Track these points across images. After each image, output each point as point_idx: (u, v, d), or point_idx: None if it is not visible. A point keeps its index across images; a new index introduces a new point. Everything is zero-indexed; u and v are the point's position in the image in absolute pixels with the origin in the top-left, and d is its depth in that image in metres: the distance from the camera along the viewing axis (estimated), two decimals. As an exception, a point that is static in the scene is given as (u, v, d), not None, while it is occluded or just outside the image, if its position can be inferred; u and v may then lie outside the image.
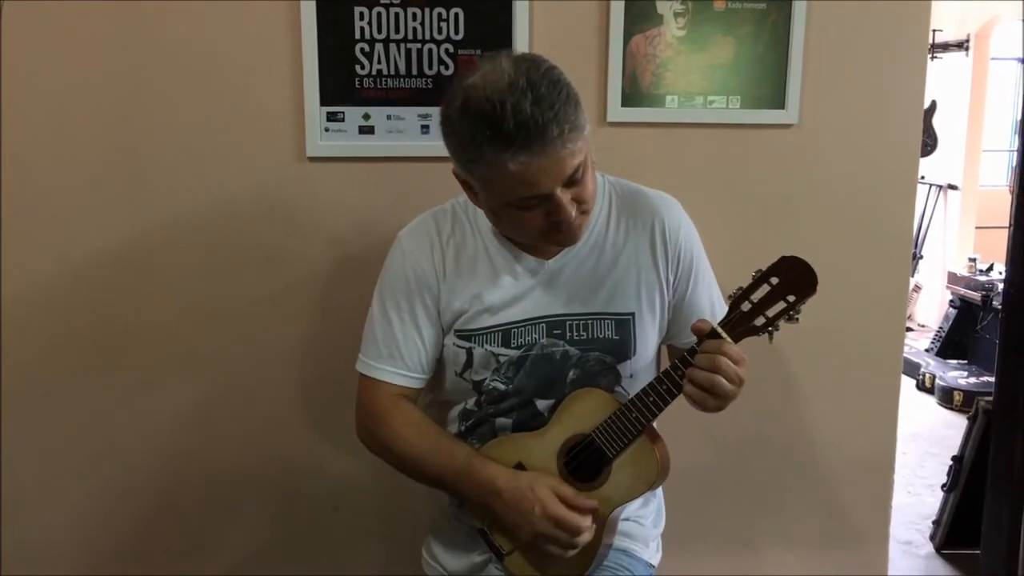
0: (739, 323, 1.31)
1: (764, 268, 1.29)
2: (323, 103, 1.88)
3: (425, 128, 1.92)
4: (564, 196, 1.32)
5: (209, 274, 1.95)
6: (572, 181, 1.33)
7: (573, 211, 1.35)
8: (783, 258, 1.28)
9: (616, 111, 1.93)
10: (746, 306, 1.31)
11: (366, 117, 1.90)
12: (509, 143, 1.25)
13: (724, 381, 1.30)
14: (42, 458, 1.98)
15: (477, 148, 1.28)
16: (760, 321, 1.30)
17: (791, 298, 1.28)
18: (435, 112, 1.88)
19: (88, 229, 1.91)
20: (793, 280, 1.27)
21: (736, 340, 1.32)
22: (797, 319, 1.29)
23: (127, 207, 1.91)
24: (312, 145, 1.90)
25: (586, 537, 1.41)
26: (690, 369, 1.32)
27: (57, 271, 1.91)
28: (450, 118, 1.32)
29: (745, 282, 1.32)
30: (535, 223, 1.36)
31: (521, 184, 1.29)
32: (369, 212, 1.94)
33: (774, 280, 1.28)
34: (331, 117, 1.89)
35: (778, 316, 1.29)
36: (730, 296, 1.32)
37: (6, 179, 1.85)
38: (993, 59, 6.47)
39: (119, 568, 2.03)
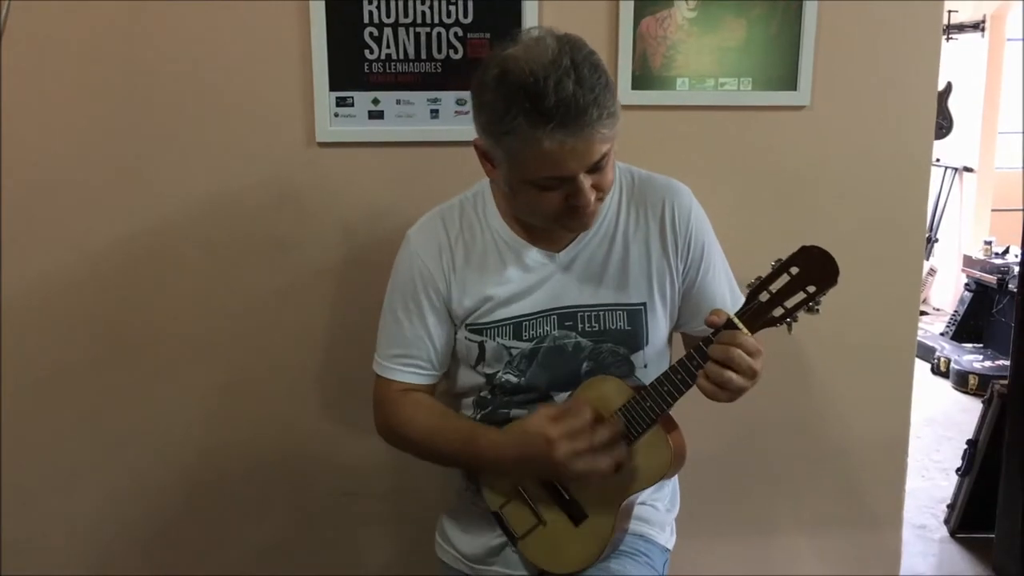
0: (757, 314, 1.29)
1: (784, 258, 1.27)
2: (332, 88, 1.87)
3: (435, 113, 1.91)
4: (586, 181, 1.32)
5: (218, 262, 1.95)
6: (596, 168, 1.32)
7: (592, 197, 1.34)
8: (803, 248, 1.26)
9: (626, 94, 1.91)
10: (764, 296, 1.28)
11: (375, 102, 1.90)
12: (548, 119, 1.24)
13: (735, 376, 1.29)
14: (52, 449, 1.99)
15: (512, 120, 1.26)
16: (779, 312, 1.28)
17: (811, 289, 1.25)
18: (444, 96, 1.91)
19: (96, 217, 1.91)
20: (813, 270, 1.25)
21: (753, 331, 1.30)
22: (817, 310, 1.26)
23: (135, 194, 1.91)
24: (321, 130, 1.89)
25: (604, 433, 1.37)
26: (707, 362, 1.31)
27: (67, 260, 1.92)
28: (485, 86, 1.31)
29: (762, 270, 1.30)
30: (552, 205, 1.35)
31: (549, 163, 1.29)
32: (379, 197, 1.94)
33: (794, 270, 1.26)
34: (340, 102, 1.89)
35: (797, 307, 1.27)
36: (748, 286, 1.30)
37: (15, 166, 1.86)
38: (1009, 40, 6.40)
39: (131, 558, 2.05)
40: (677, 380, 1.36)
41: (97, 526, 2.03)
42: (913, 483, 3.48)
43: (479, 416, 1.56)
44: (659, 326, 1.53)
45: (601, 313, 1.49)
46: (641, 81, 1.93)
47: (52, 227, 1.91)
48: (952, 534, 3.33)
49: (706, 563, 2.13)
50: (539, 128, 1.25)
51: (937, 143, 5.71)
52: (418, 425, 1.52)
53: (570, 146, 1.26)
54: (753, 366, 1.30)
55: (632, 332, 1.50)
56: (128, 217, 1.92)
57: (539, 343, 1.49)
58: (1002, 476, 3.01)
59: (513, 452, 1.43)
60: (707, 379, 1.31)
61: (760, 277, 1.29)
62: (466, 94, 1.86)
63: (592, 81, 1.25)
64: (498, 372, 1.51)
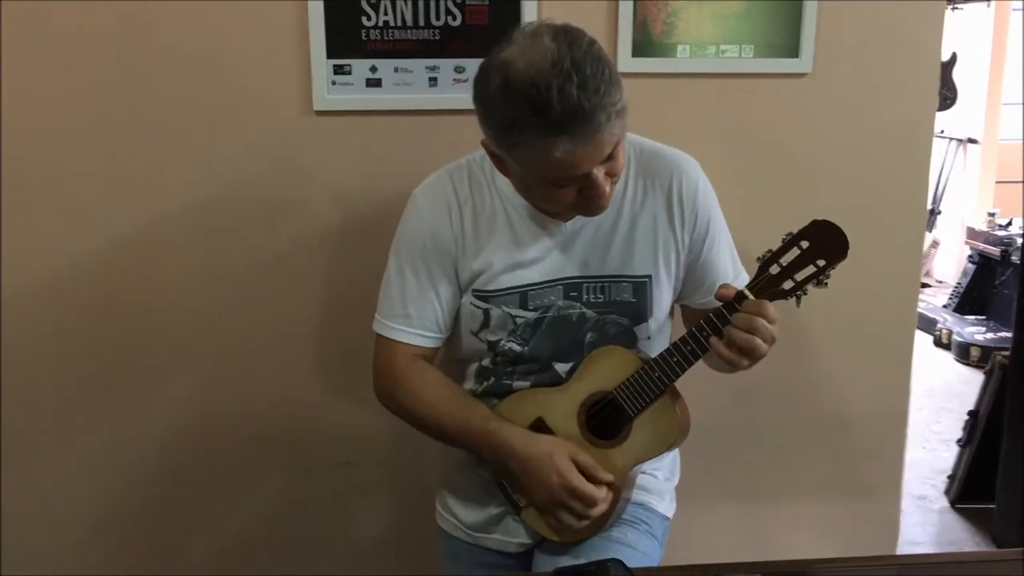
0: (767, 286, 1.29)
1: (794, 231, 1.27)
2: (329, 56, 1.85)
3: (433, 81, 1.89)
4: (599, 173, 1.31)
5: (215, 230, 1.94)
6: (608, 157, 1.31)
7: (607, 187, 1.33)
8: (814, 222, 1.26)
9: (627, 61, 1.89)
10: (775, 269, 1.29)
11: (373, 70, 1.88)
12: (556, 131, 1.22)
13: (762, 343, 1.30)
14: (53, 408, 1.99)
15: (520, 133, 1.25)
16: (788, 285, 1.28)
17: (821, 262, 1.25)
18: (442, 64, 1.89)
19: (92, 187, 1.90)
20: (824, 244, 1.25)
21: None
22: (826, 284, 1.27)
23: (132, 164, 1.89)
24: (319, 99, 1.88)
25: (601, 509, 1.43)
26: (729, 329, 1.31)
27: (64, 227, 1.91)
28: (489, 99, 1.28)
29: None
30: (568, 198, 1.35)
31: (561, 167, 1.27)
32: (378, 166, 1.93)
33: (804, 244, 1.26)
34: (338, 70, 1.87)
35: (807, 280, 1.27)
36: (758, 259, 1.30)
37: (11, 137, 1.85)
38: (1015, 10, 6.34)
39: (131, 524, 2.06)
40: (687, 351, 1.36)
41: (95, 492, 2.04)
42: (914, 454, 3.49)
43: (481, 388, 1.55)
44: (663, 298, 1.52)
45: (607, 284, 1.49)
46: (641, 48, 1.91)
47: (50, 195, 1.90)
48: (952, 505, 3.35)
49: (706, 531, 2.13)
50: (548, 139, 1.24)
51: (941, 114, 5.69)
52: (427, 403, 1.50)
53: (581, 152, 1.26)
54: (774, 334, 1.31)
55: (637, 304, 1.50)
56: (124, 186, 1.91)
57: (544, 313, 1.48)
58: (1003, 447, 3.02)
59: (520, 459, 1.44)
60: (731, 347, 1.31)
61: (771, 250, 1.29)
62: (465, 62, 1.88)
63: (596, 81, 1.22)
64: (501, 340, 1.50)
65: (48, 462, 2.01)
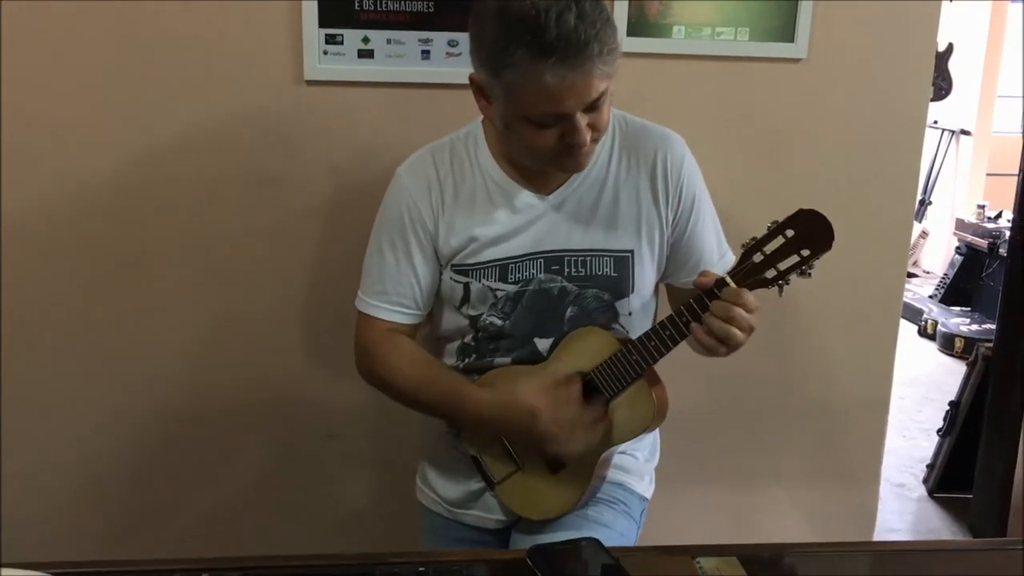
0: (749, 274, 1.28)
1: (780, 219, 1.25)
2: (322, 25, 1.84)
3: (426, 54, 1.88)
4: (582, 120, 1.31)
5: (204, 199, 1.93)
6: (593, 106, 1.31)
7: (587, 137, 1.33)
8: (801, 211, 1.24)
9: (622, 40, 1.87)
10: (758, 257, 1.27)
11: (365, 40, 1.86)
12: (549, 52, 1.22)
13: (738, 332, 1.29)
14: (42, 383, 1.98)
15: (513, 53, 1.25)
16: (771, 274, 1.27)
17: (805, 252, 1.24)
18: (436, 37, 1.88)
19: (83, 153, 1.88)
20: (809, 234, 1.23)
21: None
22: (810, 274, 1.25)
23: (122, 131, 1.88)
24: (310, 68, 1.86)
25: (584, 437, 1.42)
26: (707, 316, 1.30)
27: (52, 195, 1.89)
28: (484, 17, 1.29)
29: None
30: (547, 143, 1.34)
31: (547, 98, 1.27)
32: (368, 137, 1.92)
33: (789, 233, 1.24)
34: (330, 40, 1.85)
35: (790, 270, 1.26)
36: (743, 245, 1.29)
37: (6, 102, 1.82)
38: (1012, 1, 6.33)
39: (117, 493, 2.06)
40: (665, 336, 1.35)
41: (84, 458, 2.03)
42: (894, 442, 3.52)
43: (463, 364, 1.55)
44: (646, 274, 1.52)
45: (588, 258, 1.48)
46: (637, 28, 1.90)
47: (40, 161, 1.88)
48: (930, 493, 3.38)
49: (684, 513, 2.14)
50: (540, 61, 1.23)
51: (935, 105, 5.69)
52: (403, 374, 1.51)
53: (570, 81, 1.25)
54: (752, 323, 1.30)
55: (618, 278, 1.49)
56: (114, 153, 1.89)
57: (524, 286, 1.48)
58: (982, 438, 3.05)
59: (497, 414, 1.44)
60: (710, 335, 1.31)
61: (755, 237, 1.28)
62: (458, 35, 1.86)
63: (594, 16, 1.23)
64: (483, 315, 1.50)
65: (38, 393, 1.99)
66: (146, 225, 1.93)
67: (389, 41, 1.87)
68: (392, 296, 1.51)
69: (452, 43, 1.87)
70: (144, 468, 2.06)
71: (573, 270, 1.48)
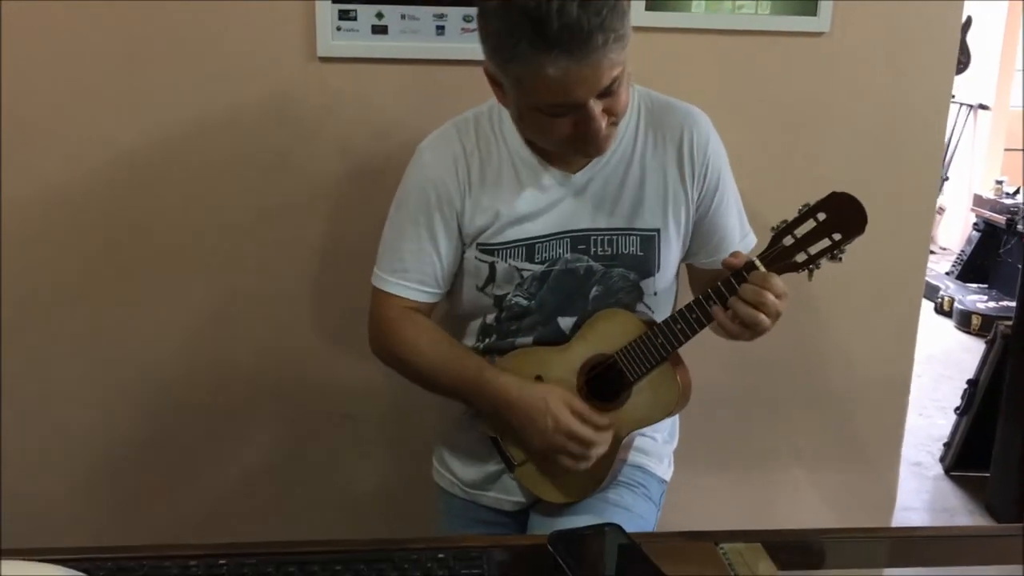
0: (779, 257, 1.26)
1: (811, 202, 1.23)
2: (335, 0, 1.81)
3: (440, 29, 1.84)
4: (596, 107, 1.27)
5: (216, 178, 1.91)
6: (607, 92, 1.27)
7: (603, 122, 1.30)
8: (833, 194, 1.22)
9: (640, 15, 1.84)
10: (788, 240, 1.25)
11: (379, 16, 1.83)
12: (551, 46, 1.19)
13: (766, 318, 1.28)
14: (48, 363, 1.97)
15: (515, 47, 1.22)
16: (802, 258, 1.25)
17: (837, 236, 1.22)
18: (450, 12, 1.84)
19: (95, 132, 1.86)
20: (841, 218, 1.21)
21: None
22: (840, 258, 1.23)
23: (134, 109, 1.85)
24: (323, 45, 1.83)
25: (600, 450, 1.41)
26: (734, 301, 1.29)
27: (64, 175, 1.87)
28: (488, 12, 1.26)
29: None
30: (562, 131, 1.31)
31: (555, 90, 1.24)
32: (382, 115, 1.89)
33: (821, 216, 1.23)
34: (343, 15, 1.82)
35: (821, 254, 1.24)
36: (772, 229, 1.27)
37: (11, 83, 1.80)
38: (1034, -25, 6.23)
39: (128, 474, 2.05)
40: (692, 319, 1.34)
41: (91, 440, 2.02)
42: (911, 421, 3.48)
43: (484, 344, 1.53)
44: (671, 254, 1.50)
45: (614, 237, 1.46)
46: (656, 2, 1.86)
47: (51, 142, 1.86)
48: (947, 472, 3.36)
49: (702, 496, 2.13)
50: (543, 55, 1.20)
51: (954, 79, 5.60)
52: (421, 353, 1.49)
53: (576, 73, 1.22)
54: (780, 309, 1.29)
55: (644, 258, 1.47)
56: (126, 132, 1.87)
57: (551, 266, 1.46)
58: (1000, 416, 3.03)
59: (515, 407, 1.43)
60: (736, 319, 1.29)
61: (785, 220, 1.26)
62: (473, 11, 1.81)
63: (599, 3, 1.19)
64: (508, 294, 1.48)
65: (44, 376, 1.98)
66: (158, 206, 1.91)
67: (403, 16, 1.83)
68: (413, 274, 1.48)
69: (467, 18, 1.83)
70: (155, 452, 2.05)
71: (599, 249, 1.46)
